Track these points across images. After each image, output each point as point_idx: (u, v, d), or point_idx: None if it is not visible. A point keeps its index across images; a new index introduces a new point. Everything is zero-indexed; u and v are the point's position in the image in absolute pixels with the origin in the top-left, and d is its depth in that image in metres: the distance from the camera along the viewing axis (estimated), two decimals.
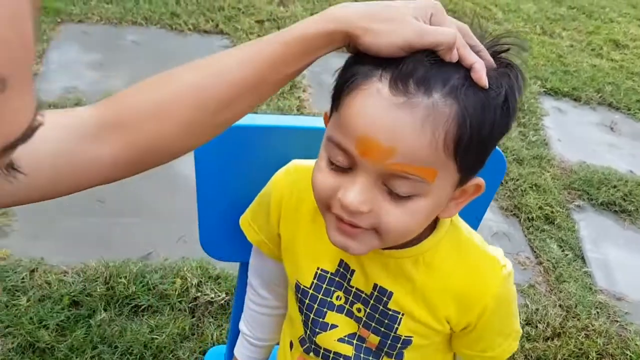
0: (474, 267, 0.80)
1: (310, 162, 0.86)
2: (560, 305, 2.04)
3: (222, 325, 1.75)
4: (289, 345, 0.94)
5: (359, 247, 0.71)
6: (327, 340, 0.85)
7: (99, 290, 1.76)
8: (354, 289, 0.83)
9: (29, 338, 1.59)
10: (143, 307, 1.76)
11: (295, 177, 0.86)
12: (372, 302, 0.82)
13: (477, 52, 0.66)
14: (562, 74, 3.71)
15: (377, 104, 0.63)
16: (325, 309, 0.85)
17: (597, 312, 2.03)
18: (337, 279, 0.84)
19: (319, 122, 0.95)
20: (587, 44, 4.29)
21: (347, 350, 0.85)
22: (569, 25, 4.57)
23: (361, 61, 0.66)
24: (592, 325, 1.97)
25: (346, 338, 0.85)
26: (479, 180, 0.72)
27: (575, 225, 2.45)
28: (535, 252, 2.28)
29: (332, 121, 0.70)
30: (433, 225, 0.78)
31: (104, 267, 1.83)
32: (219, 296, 1.82)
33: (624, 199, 2.62)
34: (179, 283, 1.84)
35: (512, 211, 2.48)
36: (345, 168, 0.68)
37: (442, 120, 0.62)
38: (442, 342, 0.87)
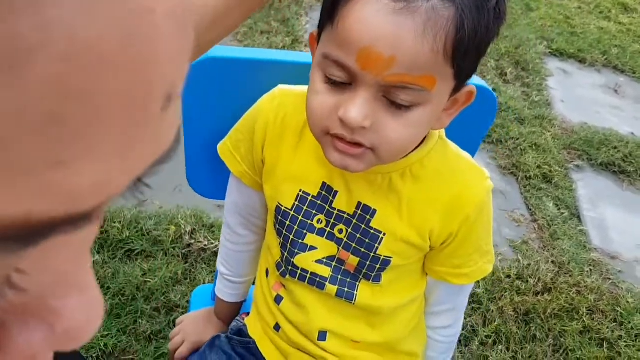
0: (460, 175, 0.82)
1: (296, 88, 0.86)
2: (552, 262, 2.05)
3: (214, 271, 1.76)
4: (265, 273, 0.95)
5: (359, 164, 0.71)
6: (305, 261, 0.86)
7: None
8: (335, 211, 0.83)
9: None
10: (137, 251, 1.77)
11: (280, 100, 0.85)
12: (354, 221, 0.83)
13: None
14: (568, 35, 3.66)
15: (377, 11, 0.61)
16: (305, 231, 0.85)
17: (590, 270, 2.04)
18: (318, 202, 0.84)
19: (305, 58, 0.95)
20: (595, 6, 4.21)
21: (324, 271, 0.86)
22: None
23: None
24: (584, 282, 1.97)
25: (324, 260, 0.86)
26: (471, 87, 0.72)
27: (573, 185, 2.44)
28: (530, 209, 2.28)
29: (326, 38, 0.68)
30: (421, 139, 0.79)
31: None
32: (212, 244, 1.83)
33: (623, 160, 2.60)
34: (173, 230, 1.85)
35: (510, 170, 2.47)
36: (343, 85, 0.67)
37: (442, 24, 0.61)
38: (419, 263, 0.88)
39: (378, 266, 0.84)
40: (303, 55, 0.97)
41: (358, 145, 0.69)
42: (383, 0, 0.61)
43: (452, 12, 0.62)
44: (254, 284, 1.08)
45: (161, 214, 1.91)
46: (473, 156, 1.07)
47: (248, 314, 1.03)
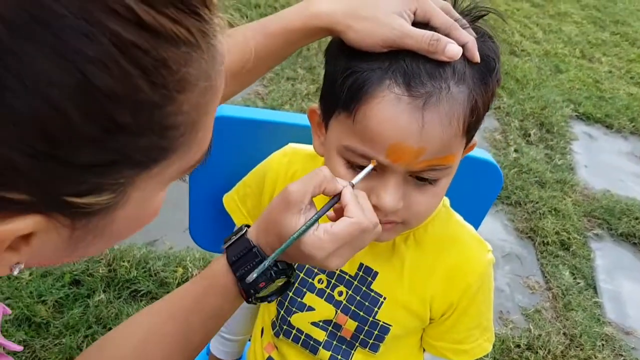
0: (463, 245, 0.82)
1: (306, 147, 0.87)
2: (564, 334, 1.99)
3: None
4: (260, 332, 0.94)
5: (390, 235, 0.76)
6: (301, 321, 0.85)
7: (100, 271, 1.78)
8: (337, 271, 0.83)
9: (26, 311, 1.61)
10: (142, 292, 1.77)
11: (291, 158, 0.86)
12: (355, 283, 0.82)
13: (462, 27, 0.66)
14: (596, 99, 3.63)
15: (402, 111, 0.62)
16: (305, 289, 0.84)
17: (602, 344, 1.98)
18: None
19: (306, 120, 0.96)
20: (626, 71, 4.19)
21: (320, 335, 0.85)
22: (610, 51, 4.49)
23: (359, 60, 0.65)
24: (595, 357, 1.91)
25: (320, 323, 0.85)
26: (474, 141, 0.74)
27: (591, 254, 2.39)
28: (546, 277, 2.23)
29: (344, 129, 0.68)
30: None
31: (109, 250, 1.84)
32: None
33: None
34: (180, 272, 1.85)
35: (527, 234, 2.43)
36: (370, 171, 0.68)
37: (461, 108, 0.64)
38: (417, 336, 0.87)
39: (376, 332, 0.82)
40: (298, 117, 0.98)
41: (390, 222, 0.71)
42: (404, 99, 0.62)
43: (465, 94, 0.64)
44: (249, 340, 1.06)
45: (170, 255, 1.92)
46: (477, 228, 1.06)
47: None
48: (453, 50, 0.62)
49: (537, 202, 2.59)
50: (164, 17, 0.35)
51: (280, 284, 0.67)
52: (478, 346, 0.85)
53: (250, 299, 0.66)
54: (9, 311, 0.49)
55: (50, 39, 0.31)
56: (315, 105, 0.76)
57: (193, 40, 0.37)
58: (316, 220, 0.62)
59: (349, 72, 0.65)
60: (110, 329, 1.63)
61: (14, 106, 0.31)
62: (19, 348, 0.49)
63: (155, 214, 0.46)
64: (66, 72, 0.32)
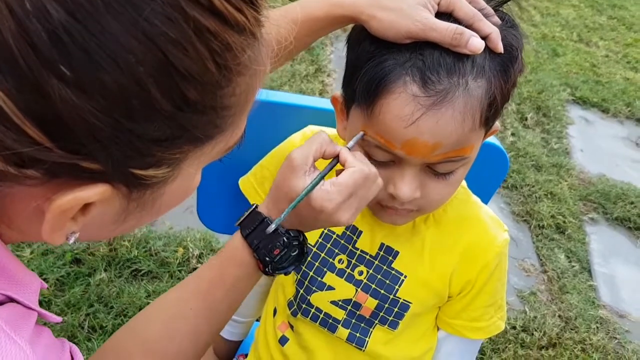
0: (482, 224, 0.85)
1: (325, 129, 0.88)
2: (559, 316, 2.02)
3: None
4: (272, 312, 0.94)
5: (405, 220, 0.79)
6: (321, 300, 0.86)
7: (101, 250, 1.79)
8: (358, 251, 0.85)
9: None
10: (143, 271, 1.78)
11: None
12: (376, 262, 0.84)
13: (486, 16, 0.67)
14: (593, 83, 3.64)
15: (417, 108, 0.63)
16: (325, 269, 0.86)
17: (597, 327, 2.01)
18: (342, 241, 0.85)
19: (321, 103, 0.96)
20: (623, 55, 4.20)
21: (339, 313, 0.86)
22: (607, 35, 4.49)
23: (380, 52, 0.65)
24: (590, 340, 1.94)
25: (340, 302, 0.86)
26: (495, 126, 0.74)
27: (586, 238, 2.42)
28: (541, 260, 2.26)
29: (363, 121, 0.69)
30: None
31: None
32: None
33: (639, 216, 2.57)
34: (181, 252, 1.86)
35: (523, 217, 2.45)
36: (388, 162, 0.70)
37: (478, 103, 0.64)
38: (433, 313, 0.89)
39: (396, 310, 0.84)
40: (318, 101, 0.99)
41: (406, 209, 0.74)
42: (420, 96, 0.63)
43: (484, 89, 0.64)
44: (257, 320, 1.07)
45: (170, 235, 1.92)
46: None
47: (245, 355, 1.03)
48: (476, 45, 0.62)
49: (533, 186, 2.60)
50: (231, 6, 0.39)
51: (293, 253, 0.68)
52: (493, 324, 0.88)
53: (267, 269, 0.68)
54: (45, 285, 0.50)
55: (141, 22, 0.34)
56: (338, 92, 0.77)
57: (251, 27, 0.41)
58: (322, 177, 0.65)
59: (368, 65, 0.66)
60: (112, 307, 1.65)
61: (104, 80, 0.34)
62: (58, 319, 0.50)
63: (193, 190, 0.49)
64: (151, 51, 0.35)
